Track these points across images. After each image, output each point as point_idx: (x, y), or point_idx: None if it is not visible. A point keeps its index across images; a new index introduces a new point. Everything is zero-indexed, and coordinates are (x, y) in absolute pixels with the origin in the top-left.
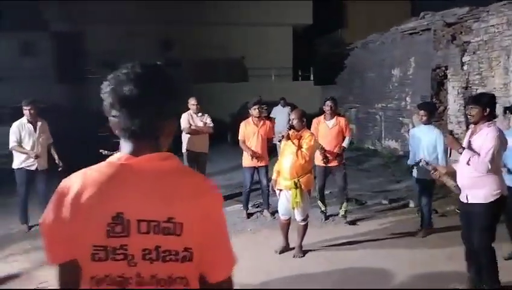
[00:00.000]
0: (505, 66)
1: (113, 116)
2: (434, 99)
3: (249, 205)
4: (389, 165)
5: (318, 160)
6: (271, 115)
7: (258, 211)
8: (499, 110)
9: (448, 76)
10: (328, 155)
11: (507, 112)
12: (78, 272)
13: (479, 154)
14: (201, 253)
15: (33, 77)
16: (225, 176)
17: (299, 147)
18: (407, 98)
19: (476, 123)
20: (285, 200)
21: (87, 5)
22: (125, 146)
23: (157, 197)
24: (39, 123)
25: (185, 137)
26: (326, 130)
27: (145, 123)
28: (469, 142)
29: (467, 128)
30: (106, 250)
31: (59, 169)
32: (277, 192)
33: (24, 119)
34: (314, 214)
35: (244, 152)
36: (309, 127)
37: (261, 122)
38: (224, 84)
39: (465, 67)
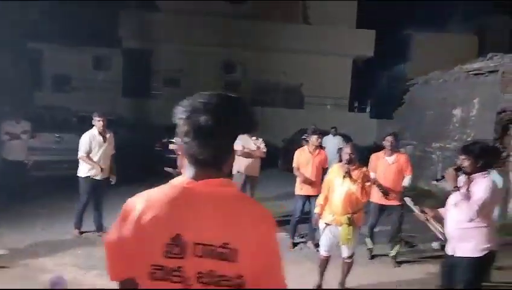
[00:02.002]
0: None
1: (185, 142)
2: (498, 144)
3: (295, 235)
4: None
5: (374, 197)
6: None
7: (302, 242)
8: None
9: None
10: (386, 192)
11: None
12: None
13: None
14: (254, 281)
15: (102, 89)
16: (273, 202)
17: (362, 183)
18: (468, 140)
19: (469, 174)
20: (331, 235)
21: (158, 25)
22: (190, 170)
23: (215, 222)
24: (108, 135)
25: (236, 159)
26: (386, 166)
27: (216, 153)
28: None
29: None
30: (163, 270)
31: (111, 183)
32: (321, 226)
33: (95, 130)
34: (359, 252)
35: (297, 180)
36: (367, 162)
37: (317, 151)
38: (280, 109)
39: None
